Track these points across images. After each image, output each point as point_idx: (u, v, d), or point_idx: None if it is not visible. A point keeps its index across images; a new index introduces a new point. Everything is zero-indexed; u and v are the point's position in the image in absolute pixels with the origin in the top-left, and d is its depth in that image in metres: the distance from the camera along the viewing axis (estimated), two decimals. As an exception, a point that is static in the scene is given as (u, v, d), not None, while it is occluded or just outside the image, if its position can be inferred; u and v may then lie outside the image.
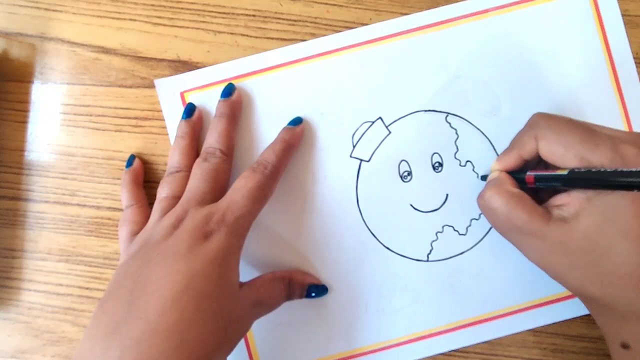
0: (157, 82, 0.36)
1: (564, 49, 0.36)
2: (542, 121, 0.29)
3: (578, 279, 0.28)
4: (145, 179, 0.36)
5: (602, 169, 0.26)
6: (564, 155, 0.28)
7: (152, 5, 0.36)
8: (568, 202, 0.28)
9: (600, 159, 0.26)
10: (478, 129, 0.36)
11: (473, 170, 0.36)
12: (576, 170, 0.27)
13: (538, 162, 0.31)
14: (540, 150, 0.29)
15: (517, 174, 0.31)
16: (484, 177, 0.35)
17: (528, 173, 0.30)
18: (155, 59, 0.37)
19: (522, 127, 0.31)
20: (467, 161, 0.36)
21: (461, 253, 0.36)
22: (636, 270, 0.26)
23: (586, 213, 0.27)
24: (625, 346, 0.28)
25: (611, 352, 0.30)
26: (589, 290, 0.28)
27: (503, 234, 0.30)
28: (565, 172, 0.27)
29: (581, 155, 0.27)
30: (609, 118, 0.36)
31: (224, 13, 0.36)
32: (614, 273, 0.27)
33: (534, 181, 0.29)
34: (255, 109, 0.36)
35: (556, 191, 0.29)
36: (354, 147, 0.36)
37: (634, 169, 0.25)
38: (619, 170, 0.25)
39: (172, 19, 0.36)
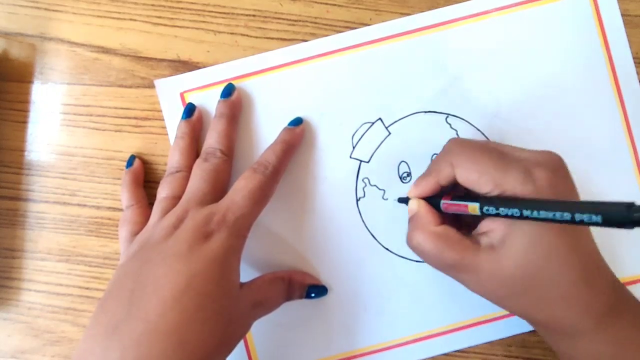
0: (157, 82, 0.36)
1: (564, 50, 0.36)
2: (456, 147, 0.29)
3: (519, 305, 0.28)
4: (145, 179, 0.36)
5: (507, 206, 0.25)
6: (478, 180, 0.27)
7: (152, 5, 0.36)
8: (493, 228, 0.28)
9: (512, 183, 0.26)
10: (479, 130, 0.36)
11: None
12: (485, 208, 0.27)
13: (454, 186, 0.30)
14: (457, 176, 0.29)
15: (433, 199, 0.30)
16: (401, 200, 0.35)
17: (443, 201, 0.30)
18: (155, 59, 0.37)
19: (439, 153, 0.31)
20: (467, 162, 0.36)
21: (461, 253, 0.36)
22: (568, 291, 0.27)
23: (511, 239, 0.27)
24: None
25: None
26: (532, 315, 0.28)
27: (439, 270, 0.30)
28: (477, 204, 0.27)
29: (495, 180, 0.27)
30: (609, 118, 0.36)
31: (224, 13, 0.36)
32: (550, 297, 0.27)
33: (450, 210, 0.29)
34: (255, 109, 0.36)
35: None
36: (353, 147, 0.36)
37: (539, 200, 0.24)
38: (526, 202, 0.25)
39: (172, 19, 0.36)
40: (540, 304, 0.27)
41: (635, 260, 0.36)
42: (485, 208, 0.26)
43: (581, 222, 0.22)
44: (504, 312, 0.35)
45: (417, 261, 0.36)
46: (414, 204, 0.31)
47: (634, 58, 0.36)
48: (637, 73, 0.36)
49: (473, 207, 0.27)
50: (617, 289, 0.28)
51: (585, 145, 0.36)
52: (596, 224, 0.21)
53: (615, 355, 0.27)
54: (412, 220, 0.31)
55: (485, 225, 0.28)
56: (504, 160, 0.27)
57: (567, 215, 0.22)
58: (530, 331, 0.36)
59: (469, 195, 0.28)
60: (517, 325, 0.35)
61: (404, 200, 0.32)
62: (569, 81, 0.36)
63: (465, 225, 0.31)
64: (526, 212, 0.24)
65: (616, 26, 0.36)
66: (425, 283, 0.35)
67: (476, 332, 0.35)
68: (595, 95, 0.36)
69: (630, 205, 0.20)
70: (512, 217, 0.25)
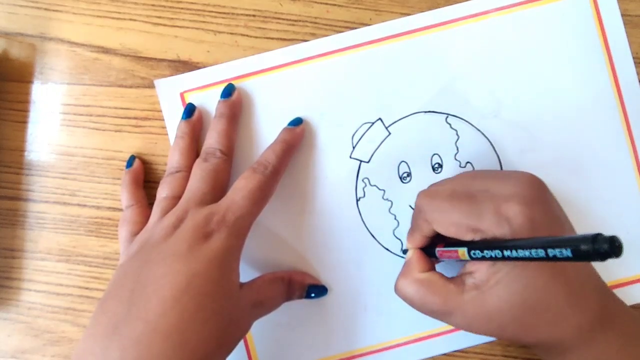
0: (157, 82, 0.36)
1: (564, 50, 0.36)
2: (425, 204, 0.30)
3: (509, 335, 0.28)
4: (145, 179, 0.36)
5: (490, 248, 0.26)
6: (457, 232, 0.28)
7: (152, 5, 0.36)
8: (477, 268, 0.28)
9: (488, 228, 0.27)
10: (479, 130, 0.36)
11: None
12: (472, 252, 0.27)
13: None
14: (437, 230, 0.29)
15: (430, 249, 0.31)
16: (405, 252, 0.35)
17: (437, 249, 0.30)
18: (155, 59, 0.37)
19: (414, 211, 0.32)
20: (467, 162, 0.36)
21: (461, 254, 0.36)
22: (554, 315, 0.27)
23: (494, 277, 0.27)
24: None
25: None
26: (524, 341, 0.29)
27: (427, 315, 0.30)
28: (464, 249, 0.28)
29: (471, 228, 0.27)
30: (609, 118, 0.36)
31: (224, 13, 0.36)
32: (537, 323, 0.27)
33: (445, 257, 0.30)
34: (255, 109, 0.36)
35: None
36: (353, 148, 0.36)
37: (516, 240, 0.25)
38: (505, 243, 0.25)
39: (172, 19, 0.36)
40: (528, 330, 0.28)
41: (635, 261, 0.36)
42: (472, 252, 0.27)
43: (554, 258, 0.22)
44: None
45: (417, 261, 0.36)
46: (410, 253, 0.32)
47: (634, 58, 0.36)
48: (637, 73, 0.36)
49: (462, 253, 0.28)
50: (605, 300, 0.29)
51: (585, 145, 0.36)
52: (568, 258, 0.21)
53: None
54: (402, 267, 0.32)
55: (470, 266, 0.29)
56: (474, 205, 0.28)
57: (541, 252, 0.23)
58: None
59: (459, 241, 0.29)
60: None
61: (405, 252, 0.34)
62: (568, 81, 0.36)
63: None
64: (507, 253, 0.25)
65: (616, 26, 0.36)
66: (425, 283, 0.35)
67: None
68: (595, 95, 0.36)
69: (594, 237, 0.20)
70: (496, 258, 0.26)
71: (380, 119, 0.36)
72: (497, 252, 0.25)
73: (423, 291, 0.29)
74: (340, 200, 0.36)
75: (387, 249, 0.36)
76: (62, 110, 0.37)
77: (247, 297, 0.31)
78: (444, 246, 0.30)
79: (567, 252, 0.21)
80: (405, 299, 0.30)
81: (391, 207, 0.36)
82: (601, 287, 0.29)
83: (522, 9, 0.36)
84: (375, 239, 0.35)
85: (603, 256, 0.20)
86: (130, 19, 0.37)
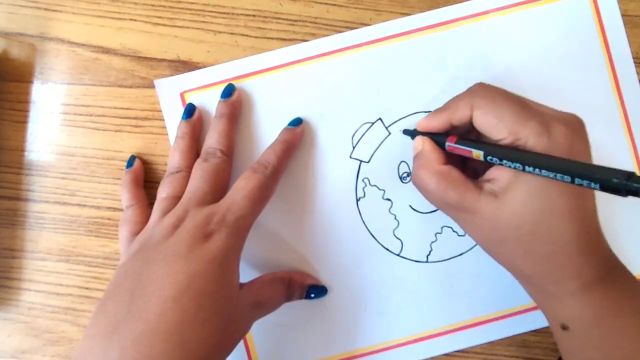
0: (157, 82, 0.36)
1: (564, 50, 0.36)
2: (481, 91, 0.29)
3: (508, 254, 0.28)
4: (145, 179, 0.36)
5: (510, 159, 0.26)
6: (495, 125, 0.28)
7: (152, 5, 0.36)
8: (498, 176, 0.28)
9: (528, 133, 0.27)
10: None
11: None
12: (489, 158, 0.27)
13: (465, 131, 0.30)
14: (474, 118, 0.29)
15: (439, 138, 0.30)
16: (406, 132, 0.34)
17: (447, 143, 0.30)
18: (155, 59, 0.37)
19: (460, 94, 0.31)
20: (467, 162, 0.36)
21: (460, 254, 0.36)
22: (561, 250, 0.27)
23: (513, 188, 0.27)
24: (564, 327, 0.28)
25: (554, 335, 0.30)
26: (519, 266, 0.28)
27: (438, 208, 0.30)
28: (481, 151, 0.27)
29: (511, 127, 0.27)
30: (609, 118, 0.36)
31: (224, 13, 0.36)
32: (540, 251, 0.27)
33: (454, 151, 0.30)
34: (256, 109, 0.36)
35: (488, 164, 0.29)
36: (353, 148, 0.36)
37: (543, 157, 0.25)
38: (529, 157, 0.26)
39: (172, 19, 0.36)
40: (530, 257, 0.27)
41: (634, 261, 0.35)
42: (489, 157, 0.27)
43: (580, 185, 0.23)
44: (505, 312, 0.35)
45: (416, 261, 0.36)
46: (419, 142, 0.31)
47: (634, 58, 0.36)
48: (637, 73, 0.36)
49: (478, 154, 0.27)
50: (610, 259, 0.28)
51: (585, 145, 0.36)
52: (594, 188, 0.22)
53: (596, 318, 0.27)
54: (417, 158, 0.31)
55: (491, 173, 0.28)
56: (525, 110, 0.27)
57: (567, 178, 0.23)
58: (531, 331, 0.36)
59: (475, 141, 0.28)
60: (518, 326, 0.36)
61: (410, 133, 0.32)
62: (569, 81, 0.36)
63: (471, 171, 0.31)
64: (528, 169, 0.25)
65: (616, 26, 0.36)
66: (425, 283, 0.35)
67: (476, 332, 0.35)
68: (595, 95, 0.36)
69: (630, 175, 0.21)
70: (514, 168, 0.26)
71: (380, 119, 0.36)
72: (517, 165, 0.25)
73: (444, 184, 0.29)
74: (340, 200, 0.36)
75: (387, 249, 0.36)
76: (62, 110, 0.37)
77: (247, 297, 0.31)
78: (457, 141, 0.29)
79: (595, 185, 0.22)
80: (425, 190, 0.30)
81: (391, 207, 0.36)
82: (608, 247, 0.29)
83: (522, 9, 0.36)
84: (375, 239, 0.36)
85: (631, 193, 0.21)
86: (130, 19, 0.37)
